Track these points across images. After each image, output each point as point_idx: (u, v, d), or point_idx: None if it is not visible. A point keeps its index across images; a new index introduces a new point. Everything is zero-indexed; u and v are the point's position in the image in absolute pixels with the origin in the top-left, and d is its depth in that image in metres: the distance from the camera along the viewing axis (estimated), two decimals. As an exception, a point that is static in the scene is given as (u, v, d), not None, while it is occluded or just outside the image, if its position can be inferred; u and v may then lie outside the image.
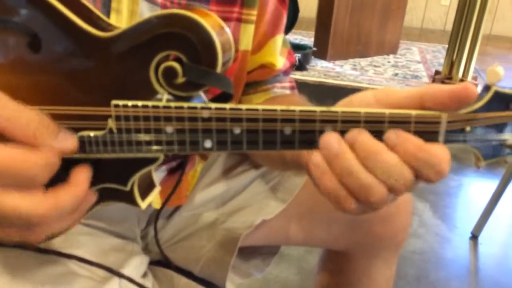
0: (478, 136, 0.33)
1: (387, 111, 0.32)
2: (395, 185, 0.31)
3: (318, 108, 0.32)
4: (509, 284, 1.25)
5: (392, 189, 0.32)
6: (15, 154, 0.29)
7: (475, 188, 1.78)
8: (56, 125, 0.32)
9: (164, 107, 0.33)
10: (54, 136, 0.32)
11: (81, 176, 0.34)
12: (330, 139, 0.32)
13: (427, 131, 0.32)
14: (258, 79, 0.59)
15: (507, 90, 0.32)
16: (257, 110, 0.32)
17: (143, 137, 0.34)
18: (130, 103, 0.33)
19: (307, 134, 0.33)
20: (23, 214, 0.30)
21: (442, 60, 2.89)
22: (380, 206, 0.33)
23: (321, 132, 0.33)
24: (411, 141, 0.31)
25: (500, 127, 0.32)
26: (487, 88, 0.32)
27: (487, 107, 0.32)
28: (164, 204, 0.54)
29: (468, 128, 0.32)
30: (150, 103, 0.33)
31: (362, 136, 0.32)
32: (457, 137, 0.32)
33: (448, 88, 0.31)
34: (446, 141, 0.32)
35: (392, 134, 0.32)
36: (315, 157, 0.33)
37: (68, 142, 0.33)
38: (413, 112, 0.32)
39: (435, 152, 0.31)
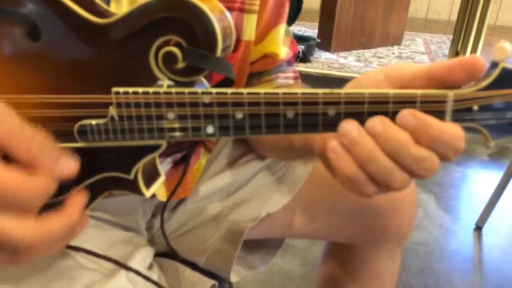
0: (486, 115, 0.32)
1: (391, 91, 0.31)
2: (420, 172, 0.31)
3: (320, 90, 0.32)
4: (514, 275, 1.25)
5: (414, 174, 0.32)
6: (14, 180, 0.29)
7: (480, 180, 1.77)
8: (58, 148, 0.32)
9: (165, 93, 0.33)
10: (56, 159, 0.31)
11: (75, 203, 0.33)
12: (348, 126, 0.32)
13: (433, 111, 0.31)
14: (262, 69, 0.59)
15: None
16: (258, 94, 0.32)
17: (145, 124, 0.34)
18: (130, 89, 0.33)
19: (310, 117, 0.32)
20: (15, 239, 0.30)
21: (446, 51, 2.86)
22: (401, 190, 0.32)
23: (324, 114, 0.32)
24: (432, 126, 0.31)
25: (508, 105, 0.31)
26: (494, 65, 0.31)
27: (494, 85, 0.31)
28: (170, 197, 0.54)
29: (475, 107, 0.31)
30: (150, 90, 0.33)
31: (387, 129, 0.31)
32: (465, 116, 0.32)
33: (456, 59, 0.31)
34: (453, 121, 0.32)
35: (410, 118, 0.31)
36: (332, 143, 0.32)
37: (69, 166, 0.32)
38: (419, 92, 0.31)
39: (453, 132, 0.31)
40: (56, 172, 0.31)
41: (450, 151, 0.31)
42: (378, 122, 0.31)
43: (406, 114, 0.31)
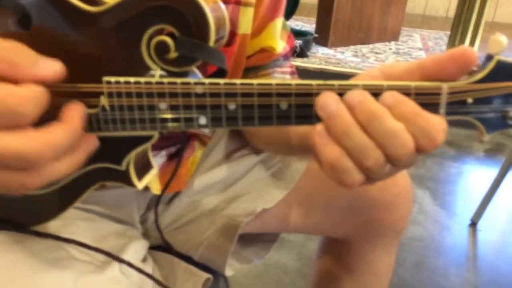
0: (480, 108, 0.31)
1: (385, 82, 0.31)
2: (395, 153, 0.31)
3: (314, 82, 0.32)
4: (508, 271, 1.25)
5: (390, 156, 0.31)
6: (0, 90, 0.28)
7: (475, 176, 1.78)
8: (33, 51, 0.30)
9: (157, 83, 0.32)
10: (33, 63, 0.30)
11: (73, 111, 0.32)
12: (328, 99, 0.31)
13: (427, 103, 0.31)
14: (258, 64, 0.58)
15: (510, 60, 0.30)
16: (251, 84, 0.32)
17: (137, 114, 0.33)
18: (122, 79, 0.33)
19: (304, 108, 0.32)
20: (15, 151, 0.29)
21: (444, 47, 2.86)
22: (377, 173, 0.32)
23: None
24: (407, 105, 0.30)
25: (503, 98, 0.31)
26: (489, 58, 0.31)
27: (489, 78, 0.31)
28: (164, 190, 0.54)
29: (470, 100, 0.31)
30: (142, 79, 0.32)
31: (365, 99, 0.31)
32: (459, 109, 0.31)
33: (447, 51, 0.30)
34: (448, 113, 0.31)
35: (389, 97, 0.31)
36: (319, 127, 0.32)
37: (49, 68, 0.31)
38: (413, 84, 0.31)
39: (430, 119, 0.30)
40: (38, 75, 0.30)
41: (425, 138, 0.30)
42: (356, 94, 0.31)
43: (386, 94, 0.31)
